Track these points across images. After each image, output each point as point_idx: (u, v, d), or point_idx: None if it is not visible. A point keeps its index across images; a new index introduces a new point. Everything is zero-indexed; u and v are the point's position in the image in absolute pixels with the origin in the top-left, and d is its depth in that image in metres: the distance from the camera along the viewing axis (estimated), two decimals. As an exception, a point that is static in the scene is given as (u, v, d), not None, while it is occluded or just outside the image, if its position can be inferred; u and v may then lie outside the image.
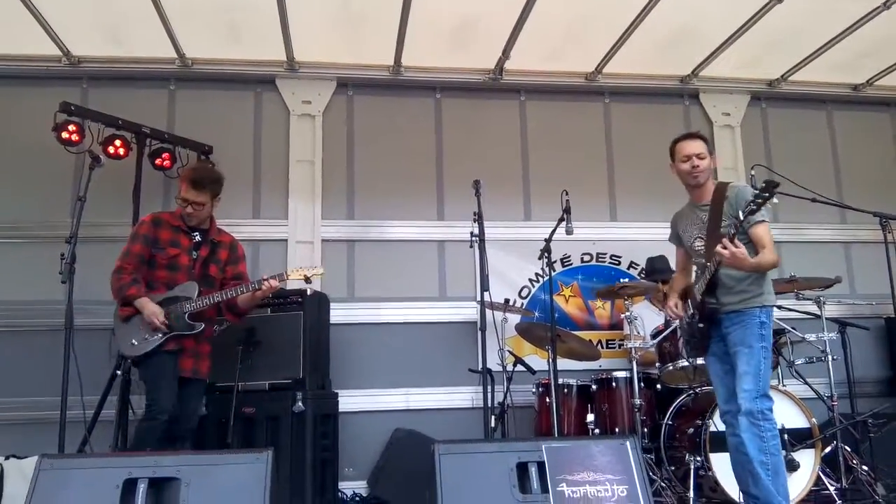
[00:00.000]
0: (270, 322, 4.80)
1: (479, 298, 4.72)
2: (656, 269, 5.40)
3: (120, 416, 4.64)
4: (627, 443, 3.13)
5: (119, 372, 3.87)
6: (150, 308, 3.97)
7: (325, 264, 5.62)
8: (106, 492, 2.76)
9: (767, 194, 3.32)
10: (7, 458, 4.63)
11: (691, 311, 3.86)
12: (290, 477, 4.43)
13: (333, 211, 5.82)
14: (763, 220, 3.61)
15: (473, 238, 4.28)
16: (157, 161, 5.28)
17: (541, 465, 3.01)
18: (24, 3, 4.80)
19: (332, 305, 5.32)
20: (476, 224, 4.33)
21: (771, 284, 3.77)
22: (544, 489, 2.96)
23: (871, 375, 5.94)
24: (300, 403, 4.53)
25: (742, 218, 3.44)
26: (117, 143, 5.08)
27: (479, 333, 4.23)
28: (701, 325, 3.79)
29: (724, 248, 3.45)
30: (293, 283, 5.11)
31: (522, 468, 3.03)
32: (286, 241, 5.69)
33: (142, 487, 2.79)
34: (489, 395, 4.36)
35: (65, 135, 4.85)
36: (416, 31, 5.31)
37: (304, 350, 4.74)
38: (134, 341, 3.98)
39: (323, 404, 4.82)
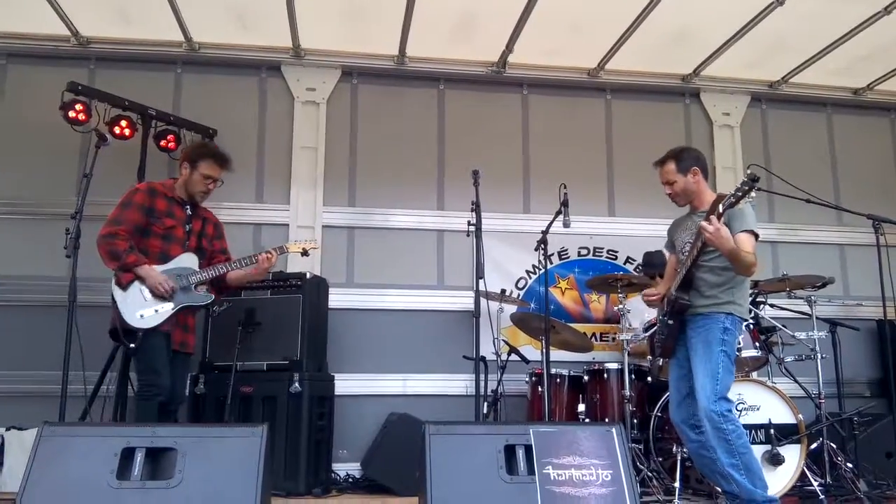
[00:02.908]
0: (270, 304, 4.88)
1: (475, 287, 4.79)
2: (653, 263, 5.41)
3: (119, 391, 4.72)
4: (614, 429, 3.17)
5: (133, 345, 3.80)
6: (155, 275, 3.92)
7: (324, 250, 5.71)
8: (105, 459, 2.83)
9: (748, 187, 3.31)
10: (8, 429, 4.73)
11: (665, 309, 3.84)
12: (285, 456, 4.52)
13: (335, 197, 5.88)
14: (746, 231, 3.58)
15: (471, 226, 4.33)
16: (162, 142, 5.34)
17: (528, 448, 3.06)
18: (35, -18, 4.86)
19: (332, 290, 5.38)
20: (474, 213, 4.39)
21: (746, 298, 3.77)
22: (531, 471, 3.01)
23: (861, 376, 6.02)
24: (297, 384, 4.61)
25: (721, 210, 3.40)
26: (123, 123, 5.13)
27: (474, 321, 4.28)
28: (671, 322, 3.75)
29: (709, 223, 3.40)
30: (293, 267, 5.22)
31: (510, 450, 3.08)
32: (288, 225, 5.74)
33: (139, 456, 2.86)
34: (482, 383, 4.41)
35: (72, 114, 4.91)
36: (420, 22, 5.36)
37: (303, 332, 4.80)
38: (142, 313, 3.88)
39: (319, 386, 4.88)
